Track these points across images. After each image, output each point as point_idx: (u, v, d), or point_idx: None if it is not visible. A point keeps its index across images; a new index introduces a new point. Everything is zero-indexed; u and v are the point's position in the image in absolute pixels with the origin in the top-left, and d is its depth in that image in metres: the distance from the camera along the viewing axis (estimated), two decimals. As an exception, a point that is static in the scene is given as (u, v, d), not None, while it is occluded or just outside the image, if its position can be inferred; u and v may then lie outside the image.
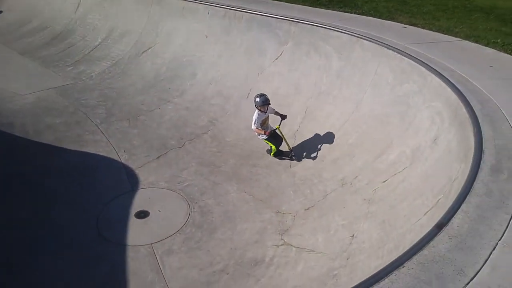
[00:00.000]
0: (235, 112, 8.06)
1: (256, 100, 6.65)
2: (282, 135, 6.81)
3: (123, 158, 6.99)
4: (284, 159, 6.91)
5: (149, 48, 10.31)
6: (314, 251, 4.93)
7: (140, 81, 9.52)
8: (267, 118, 6.84)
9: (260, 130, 6.71)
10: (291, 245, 5.12)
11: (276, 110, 6.88)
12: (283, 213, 5.72)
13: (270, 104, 6.64)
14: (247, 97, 8.12)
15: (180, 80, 9.19)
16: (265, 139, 6.80)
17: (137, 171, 6.68)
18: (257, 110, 6.69)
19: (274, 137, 6.86)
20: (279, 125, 6.80)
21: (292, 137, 7.16)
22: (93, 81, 9.70)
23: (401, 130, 5.95)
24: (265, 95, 6.65)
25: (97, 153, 7.13)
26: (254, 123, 6.69)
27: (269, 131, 6.74)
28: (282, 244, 5.18)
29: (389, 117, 6.28)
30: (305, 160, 6.75)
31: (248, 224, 5.57)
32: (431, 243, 3.09)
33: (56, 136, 7.47)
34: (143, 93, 9.11)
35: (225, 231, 5.48)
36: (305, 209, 5.71)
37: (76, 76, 9.88)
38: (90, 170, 6.68)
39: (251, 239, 5.30)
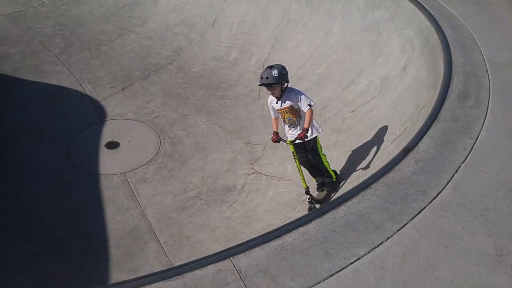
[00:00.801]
0: (201, 42, 7.61)
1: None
2: (297, 164, 4.15)
3: (87, 90, 6.57)
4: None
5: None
6: (283, 178, 4.99)
7: (98, 9, 8.70)
8: (285, 110, 4.01)
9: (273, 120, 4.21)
10: (261, 174, 5.15)
11: (303, 106, 3.90)
12: (253, 144, 5.67)
13: (273, 86, 3.79)
14: (213, 25, 7.67)
15: (141, 8, 8.48)
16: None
17: (103, 103, 6.34)
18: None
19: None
20: (292, 141, 4.02)
21: (260, 67, 6.92)
22: (46, 7, 8.75)
23: (371, 59, 5.84)
24: (272, 67, 3.80)
25: (60, 84, 6.65)
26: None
27: (277, 136, 4.06)
28: (253, 173, 5.19)
29: (359, 46, 6.12)
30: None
31: (218, 155, 5.51)
32: (398, 167, 3.16)
33: (14, 67, 6.85)
34: (103, 22, 8.37)
35: (196, 161, 5.41)
36: (275, 139, 5.70)
37: (27, 2, 8.87)
38: (55, 102, 6.27)
39: (222, 168, 5.28)
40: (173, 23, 7.98)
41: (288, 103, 3.92)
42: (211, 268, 2.37)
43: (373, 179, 3.06)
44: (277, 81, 3.75)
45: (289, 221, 3.04)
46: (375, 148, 4.42)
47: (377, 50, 5.85)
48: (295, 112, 3.97)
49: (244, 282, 2.29)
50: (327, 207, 2.85)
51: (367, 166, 4.20)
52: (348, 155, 4.78)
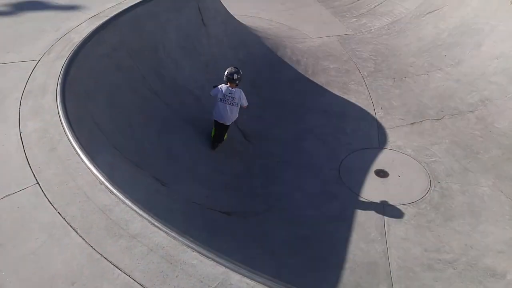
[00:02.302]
0: (518, 97, 6.32)
1: None
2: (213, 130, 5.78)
3: (378, 115, 6.66)
4: None
5: (436, 10, 9.04)
6: None
7: (416, 43, 8.58)
8: (232, 96, 5.49)
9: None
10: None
11: (244, 102, 5.59)
12: (548, 235, 4.30)
13: (237, 82, 5.46)
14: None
15: (460, 49, 7.77)
16: None
17: (388, 131, 6.28)
18: None
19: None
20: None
21: None
22: (371, 34, 9.38)
23: None
24: (238, 69, 5.46)
25: (357, 103, 7.03)
26: None
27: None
28: (535, 270, 3.95)
29: None
30: None
31: (495, 229, 4.50)
32: None
33: (327, 80, 7.72)
34: (415, 55, 8.21)
35: (463, 224, 4.61)
36: None
37: (357, 28, 9.76)
38: (346, 117, 6.69)
39: (495, 246, 4.28)
40: (491, 71, 6.94)
41: (236, 94, 5.41)
42: None
43: None
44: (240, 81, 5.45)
45: None
46: None
47: None
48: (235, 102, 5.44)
49: None
50: None
51: None
52: None
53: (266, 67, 7.87)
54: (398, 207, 4.87)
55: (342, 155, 5.86)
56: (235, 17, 8.74)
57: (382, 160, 5.67)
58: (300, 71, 7.97)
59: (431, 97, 6.94)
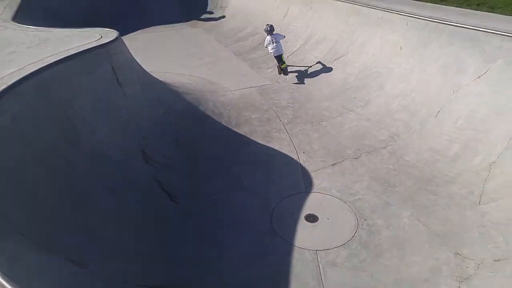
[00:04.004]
0: (420, 130, 7.00)
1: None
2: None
3: (302, 159, 6.90)
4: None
5: (341, 57, 9.96)
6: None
7: (328, 88, 9.28)
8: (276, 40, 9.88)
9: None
10: (471, 299, 4.09)
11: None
12: (464, 257, 4.63)
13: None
14: (436, 115, 6.97)
15: (367, 90, 8.55)
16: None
17: (312, 174, 6.49)
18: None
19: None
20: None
21: (487, 169, 5.76)
22: (286, 83, 9.95)
23: None
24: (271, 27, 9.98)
25: (280, 150, 7.24)
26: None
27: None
28: (459, 294, 4.19)
29: None
30: (500, 200, 5.35)
31: (418, 258, 4.73)
32: None
33: (251, 129, 7.90)
34: (329, 99, 8.85)
35: (391, 257, 4.79)
36: (495, 260, 4.48)
37: (273, 78, 10.31)
38: (272, 165, 6.82)
39: (420, 276, 4.47)
40: (395, 109, 7.68)
41: (276, 36, 9.85)
42: None
43: None
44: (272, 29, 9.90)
45: None
46: None
47: None
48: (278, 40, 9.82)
49: None
50: None
51: None
52: None
53: (189, 122, 7.84)
54: (331, 250, 4.93)
55: (272, 203, 5.88)
56: (153, 74, 8.72)
57: (310, 204, 5.79)
58: (223, 123, 8.07)
59: (347, 137, 7.41)
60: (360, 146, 7.10)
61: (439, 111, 7.00)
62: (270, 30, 9.82)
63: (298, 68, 10.32)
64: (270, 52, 9.84)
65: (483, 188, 5.51)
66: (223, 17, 16.44)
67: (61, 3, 14.31)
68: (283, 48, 9.90)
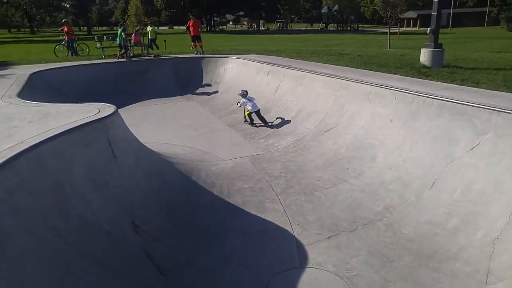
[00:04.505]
0: (416, 202, 6.91)
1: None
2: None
3: (296, 232, 6.65)
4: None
5: (332, 128, 10.23)
6: None
7: (320, 158, 9.35)
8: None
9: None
10: None
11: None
12: None
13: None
14: (431, 187, 6.96)
15: (359, 162, 8.62)
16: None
17: (307, 248, 6.21)
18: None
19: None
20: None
21: (490, 244, 5.58)
22: (279, 153, 10.04)
23: None
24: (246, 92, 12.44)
25: (274, 221, 7.01)
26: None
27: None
28: None
29: None
30: (508, 279, 5.06)
31: None
32: None
33: (243, 200, 7.73)
34: (321, 169, 8.85)
35: None
36: None
37: (266, 148, 10.42)
38: (265, 237, 6.52)
39: None
40: (388, 180, 7.67)
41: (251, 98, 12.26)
42: None
43: None
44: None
45: None
46: None
47: None
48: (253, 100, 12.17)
49: None
50: None
51: None
52: None
53: (181, 192, 7.70)
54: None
55: (265, 280, 5.52)
56: (147, 144, 8.77)
57: (305, 281, 5.42)
58: (215, 193, 7.93)
59: (342, 209, 7.26)
60: (355, 218, 6.93)
61: (434, 182, 7.00)
62: (245, 94, 12.15)
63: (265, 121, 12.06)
64: (249, 109, 11.90)
65: (488, 266, 5.25)
66: (217, 92, 17.22)
67: (64, 80, 15.46)
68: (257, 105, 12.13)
